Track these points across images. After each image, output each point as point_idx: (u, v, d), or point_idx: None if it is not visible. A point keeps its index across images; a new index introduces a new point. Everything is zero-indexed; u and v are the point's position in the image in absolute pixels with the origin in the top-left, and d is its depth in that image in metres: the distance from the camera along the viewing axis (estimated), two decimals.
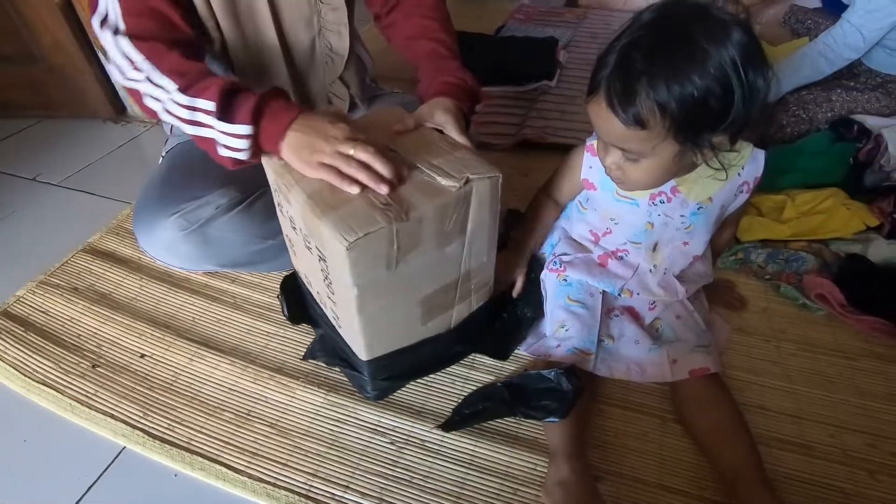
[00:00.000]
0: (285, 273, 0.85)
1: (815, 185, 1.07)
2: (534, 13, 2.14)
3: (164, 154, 0.94)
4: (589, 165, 0.75)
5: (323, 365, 0.82)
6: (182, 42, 0.73)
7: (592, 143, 0.73)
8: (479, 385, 0.79)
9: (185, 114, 0.68)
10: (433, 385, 0.80)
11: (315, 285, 0.73)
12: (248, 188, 0.87)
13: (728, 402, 0.71)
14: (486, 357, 0.83)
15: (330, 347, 0.79)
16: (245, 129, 0.65)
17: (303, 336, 0.87)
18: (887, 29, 1.10)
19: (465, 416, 0.74)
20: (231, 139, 0.66)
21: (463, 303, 0.74)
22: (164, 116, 0.70)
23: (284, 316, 0.84)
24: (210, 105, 0.66)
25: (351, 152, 0.60)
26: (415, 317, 0.69)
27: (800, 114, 1.20)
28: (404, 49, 0.88)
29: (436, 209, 0.59)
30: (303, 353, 0.84)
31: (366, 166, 0.60)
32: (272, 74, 0.87)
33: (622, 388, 0.79)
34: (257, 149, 0.67)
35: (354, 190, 0.59)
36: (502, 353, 0.82)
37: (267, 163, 0.69)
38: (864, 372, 0.81)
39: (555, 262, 0.83)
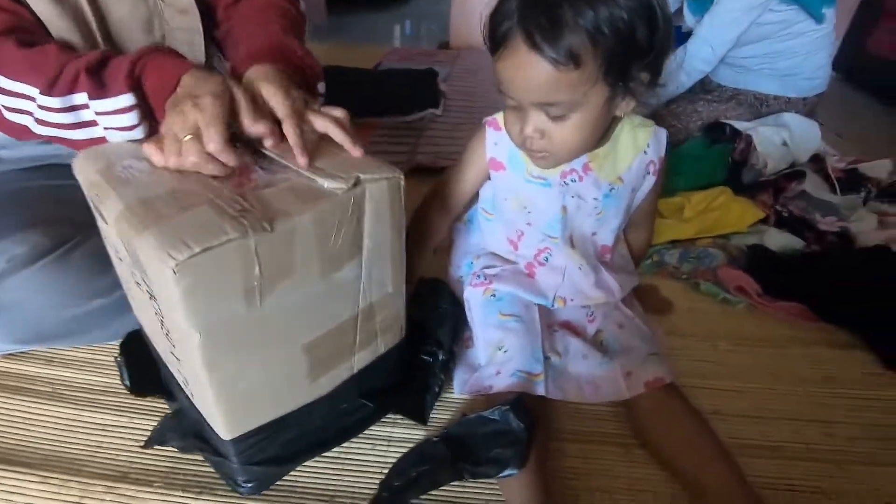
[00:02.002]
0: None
1: (703, 186, 1.11)
2: (408, 54, 2.13)
3: None
4: (494, 142, 0.65)
5: (189, 457, 0.59)
6: (18, 27, 0.55)
7: (494, 118, 0.65)
8: (409, 445, 0.62)
9: (68, 118, 0.52)
10: (345, 456, 0.61)
11: (157, 340, 0.52)
12: (64, 231, 0.64)
13: (690, 413, 0.63)
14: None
15: (187, 426, 0.57)
16: (124, 99, 0.50)
17: (155, 422, 0.63)
18: (732, 42, 1.21)
19: (397, 489, 0.56)
20: (116, 118, 0.51)
21: (366, 349, 0.57)
22: (39, 129, 0.54)
23: (125, 385, 0.61)
24: (84, 97, 0.51)
25: (185, 138, 0.45)
26: (298, 371, 0.51)
27: (675, 124, 1.26)
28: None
29: (314, 218, 0.43)
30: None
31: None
32: None
33: (573, 417, 0.67)
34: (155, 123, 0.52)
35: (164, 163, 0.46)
36: (419, 413, 0.65)
37: (78, 170, 0.49)
38: (796, 359, 0.79)
39: (479, 276, 0.71)
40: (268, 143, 0.49)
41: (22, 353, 0.70)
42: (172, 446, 0.59)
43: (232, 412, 0.48)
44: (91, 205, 0.49)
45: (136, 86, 0.50)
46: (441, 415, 0.67)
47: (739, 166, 1.12)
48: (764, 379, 0.75)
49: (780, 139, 1.15)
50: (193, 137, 0.45)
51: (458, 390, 0.67)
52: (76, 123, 0.52)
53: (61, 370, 0.70)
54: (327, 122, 0.51)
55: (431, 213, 0.73)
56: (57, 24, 0.59)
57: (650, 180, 0.68)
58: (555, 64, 0.48)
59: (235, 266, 0.40)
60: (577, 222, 0.68)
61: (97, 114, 0.51)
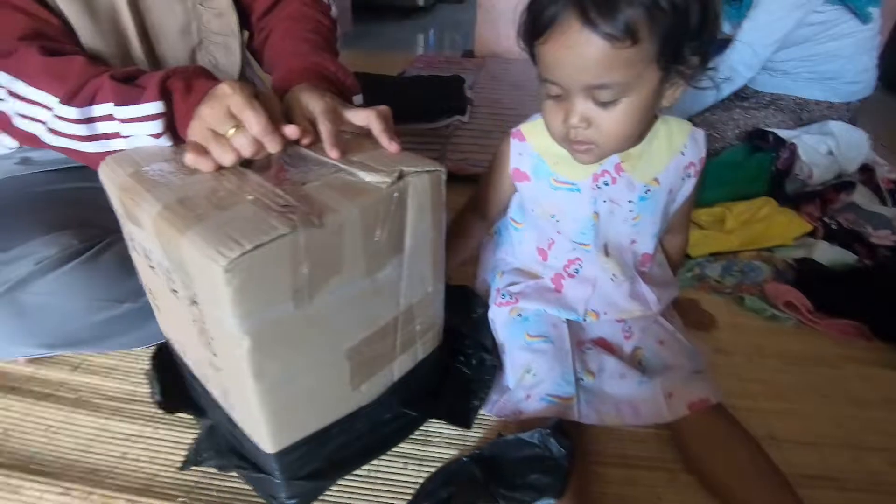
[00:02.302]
0: (156, 344, 0.61)
1: (744, 196, 1.06)
2: (433, 61, 2.12)
3: None
4: (518, 152, 0.63)
5: (215, 472, 0.57)
6: (44, 34, 0.54)
7: (518, 129, 0.63)
8: (439, 464, 0.59)
9: (83, 129, 0.51)
10: (375, 474, 0.59)
11: (191, 352, 0.50)
12: (92, 233, 0.63)
13: (743, 436, 0.58)
14: (444, 424, 0.64)
15: (222, 444, 0.55)
16: (153, 107, 0.49)
17: (182, 433, 0.62)
18: (776, 45, 1.16)
19: None
20: (141, 126, 0.50)
21: (406, 352, 0.56)
22: (50, 139, 0.53)
23: (155, 402, 0.59)
24: (108, 107, 0.50)
25: (229, 132, 0.45)
26: (341, 377, 0.49)
27: (711, 133, 1.21)
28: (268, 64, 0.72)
29: (361, 212, 0.42)
30: (181, 459, 0.58)
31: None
32: None
33: (613, 440, 0.63)
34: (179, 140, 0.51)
35: (217, 164, 0.45)
36: (463, 418, 0.62)
37: (106, 175, 0.47)
38: (852, 380, 0.74)
39: (503, 294, 0.68)
40: (304, 141, 0.49)
41: (47, 357, 0.69)
42: (209, 466, 0.56)
43: (277, 424, 0.46)
44: (120, 210, 0.48)
45: (166, 96, 0.50)
46: (473, 433, 0.64)
47: (783, 176, 1.07)
48: (818, 401, 0.70)
49: (826, 148, 1.10)
50: (238, 129, 0.44)
51: (487, 411, 0.64)
52: (90, 136, 0.52)
53: (87, 377, 0.69)
54: (370, 114, 0.50)
55: (468, 216, 0.72)
56: (90, 29, 0.58)
57: (690, 182, 0.64)
58: (610, 40, 0.45)
59: (285, 263, 0.38)
60: (613, 229, 0.64)
61: (123, 121, 0.50)
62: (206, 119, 0.46)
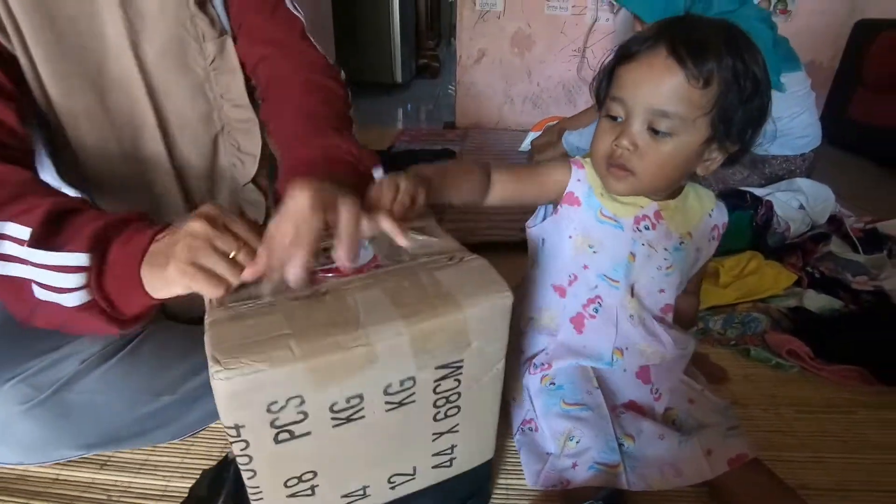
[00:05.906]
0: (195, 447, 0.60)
1: (728, 251, 1.13)
2: (418, 134, 2.23)
3: None
4: (577, 178, 0.66)
5: None
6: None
7: (577, 158, 0.68)
8: None
9: None
10: None
11: (367, 475, 0.51)
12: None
13: (783, 488, 0.60)
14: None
15: None
16: (76, 258, 0.44)
17: None
18: None
19: None
20: (52, 275, 0.44)
21: None
22: None
23: None
24: (23, 232, 0.45)
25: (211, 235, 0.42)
26: None
27: None
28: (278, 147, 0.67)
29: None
30: None
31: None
32: (154, 190, 0.69)
33: (652, 501, 0.64)
34: (101, 295, 0.45)
35: (234, 278, 0.42)
36: None
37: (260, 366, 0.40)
38: (865, 424, 0.78)
39: (534, 365, 0.70)
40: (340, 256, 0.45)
41: (74, 458, 0.67)
42: None
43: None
44: (298, 386, 0.40)
45: (98, 246, 0.45)
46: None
47: (763, 230, 1.16)
48: (838, 447, 0.73)
49: (797, 203, 1.20)
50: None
51: (532, 483, 0.64)
52: None
53: (116, 474, 0.66)
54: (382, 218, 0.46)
55: (478, 167, 0.64)
56: (101, 119, 0.60)
57: (713, 245, 0.71)
58: (688, 76, 0.53)
59: None
60: (645, 274, 0.66)
61: (34, 265, 0.45)
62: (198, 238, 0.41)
